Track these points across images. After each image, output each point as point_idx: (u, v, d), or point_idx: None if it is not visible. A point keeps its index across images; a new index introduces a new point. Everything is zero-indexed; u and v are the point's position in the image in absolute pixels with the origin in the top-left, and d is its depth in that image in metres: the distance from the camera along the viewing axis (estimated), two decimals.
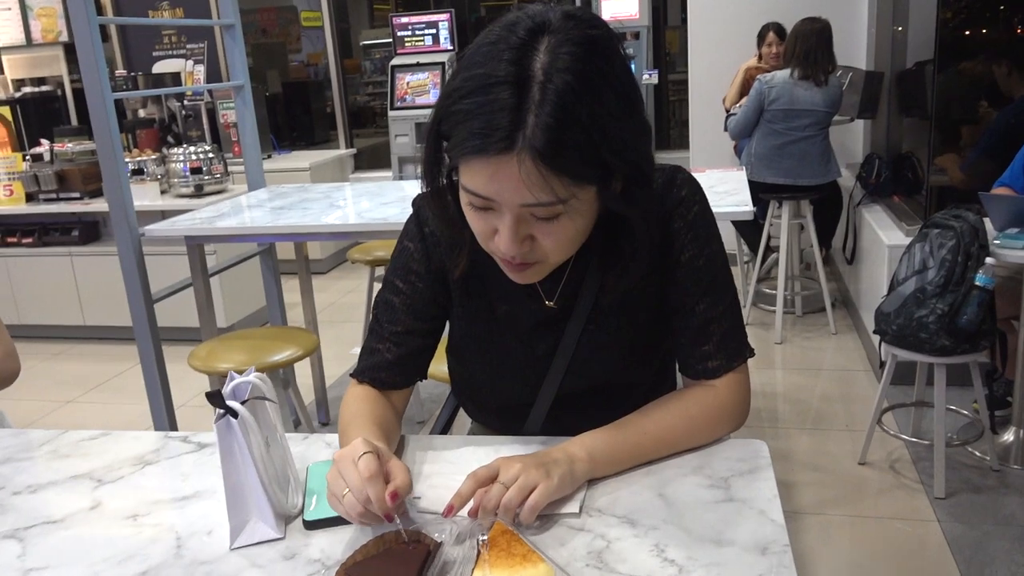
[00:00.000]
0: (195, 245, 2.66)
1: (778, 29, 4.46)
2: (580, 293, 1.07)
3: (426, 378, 1.19)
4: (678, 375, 1.15)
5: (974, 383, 2.60)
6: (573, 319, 1.08)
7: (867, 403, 3.22)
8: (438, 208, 1.00)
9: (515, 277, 0.97)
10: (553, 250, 0.92)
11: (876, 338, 2.70)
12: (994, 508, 2.48)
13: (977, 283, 2.40)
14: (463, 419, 1.32)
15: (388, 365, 1.12)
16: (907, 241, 3.12)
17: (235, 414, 0.82)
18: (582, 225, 0.92)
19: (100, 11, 6.80)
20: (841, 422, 3.15)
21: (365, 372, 1.13)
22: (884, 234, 3.39)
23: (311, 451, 1.11)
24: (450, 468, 1.02)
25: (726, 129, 4.36)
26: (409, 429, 3.11)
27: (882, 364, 2.68)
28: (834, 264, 4.80)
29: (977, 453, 2.77)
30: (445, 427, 1.31)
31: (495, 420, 1.20)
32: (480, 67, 0.84)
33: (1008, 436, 2.77)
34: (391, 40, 5.87)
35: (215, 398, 0.81)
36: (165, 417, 2.75)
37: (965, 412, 2.91)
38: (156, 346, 2.67)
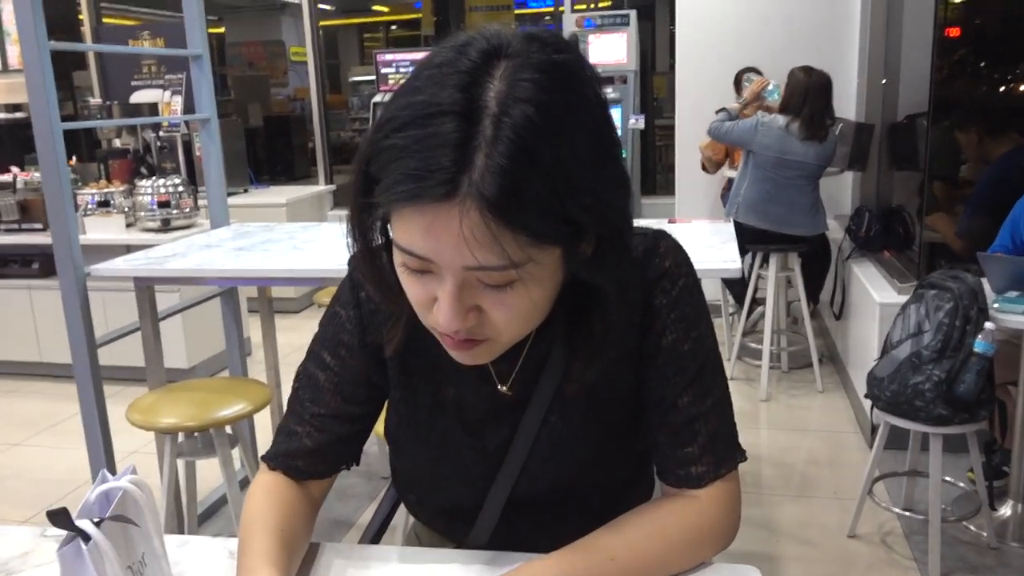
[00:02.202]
0: (144, 287, 2.48)
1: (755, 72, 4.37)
2: (540, 377, 0.89)
3: (358, 464, 1.01)
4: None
5: (971, 452, 2.45)
6: (531, 408, 0.89)
7: (856, 468, 3.06)
8: (369, 270, 0.82)
9: (459, 357, 0.79)
10: (505, 325, 0.74)
11: (867, 402, 2.55)
12: None
13: (976, 350, 2.26)
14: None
15: (307, 452, 0.94)
16: (899, 299, 3.01)
17: (87, 537, 0.65)
18: (541, 296, 0.74)
19: (80, 38, 6.69)
20: (829, 489, 2.98)
21: (279, 458, 0.95)
22: (875, 291, 3.26)
23: (209, 564, 0.93)
24: None
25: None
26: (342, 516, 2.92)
27: (873, 429, 2.53)
28: (821, 319, 4.67)
29: (973, 528, 2.60)
30: (384, 523, 1.11)
31: (439, 521, 1.02)
32: (420, 93, 0.67)
33: (1006, 511, 2.62)
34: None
35: (58, 517, 0.64)
36: (105, 468, 2.53)
37: (961, 484, 2.75)
38: (98, 393, 2.48)
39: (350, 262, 0.95)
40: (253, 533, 0.86)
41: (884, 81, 4.20)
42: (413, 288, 0.75)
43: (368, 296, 0.93)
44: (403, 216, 0.69)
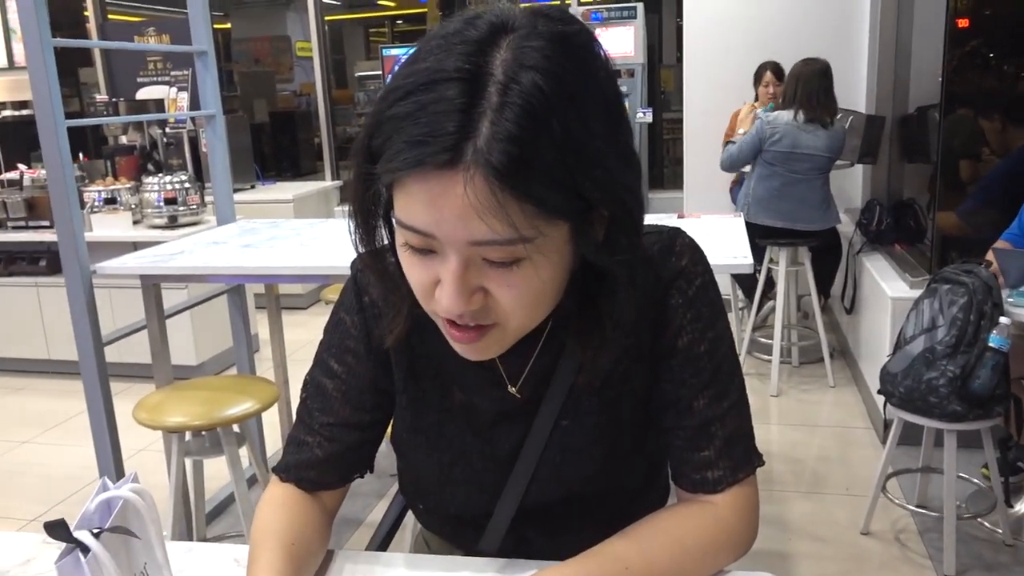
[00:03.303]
0: (150, 284, 2.47)
1: (776, 69, 4.35)
2: (551, 381, 0.86)
3: (372, 471, 0.98)
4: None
5: (985, 448, 2.42)
6: (542, 412, 0.86)
7: (868, 464, 3.03)
8: (371, 257, 0.78)
9: (464, 350, 0.75)
10: (512, 308, 0.70)
11: (880, 397, 2.52)
12: None
13: (991, 345, 2.23)
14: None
15: (318, 463, 0.92)
16: (911, 293, 2.98)
17: (85, 549, 0.63)
18: (549, 277, 0.70)
19: (85, 35, 6.68)
20: (841, 485, 2.96)
21: (290, 470, 0.93)
22: (886, 284, 3.23)
23: (214, 571, 0.91)
24: None
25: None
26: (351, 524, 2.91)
27: (886, 425, 2.50)
28: (832, 313, 4.63)
29: (988, 525, 2.57)
30: (391, 530, 1.08)
31: (448, 529, 0.99)
32: (425, 62, 0.65)
33: (1021, 507, 2.59)
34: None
35: (56, 529, 0.62)
36: (112, 467, 2.53)
37: (976, 480, 2.72)
38: (105, 391, 2.47)
39: (353, 264, 0.93)
40: (262, 547, 0.84)
41: (895, 73, 4.15)
42: (415, 271, 0.71)
43: (372, 301, 0.90)
44: (405, 188, 0.66)
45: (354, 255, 0.84)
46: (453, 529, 0.98)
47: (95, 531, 0.63)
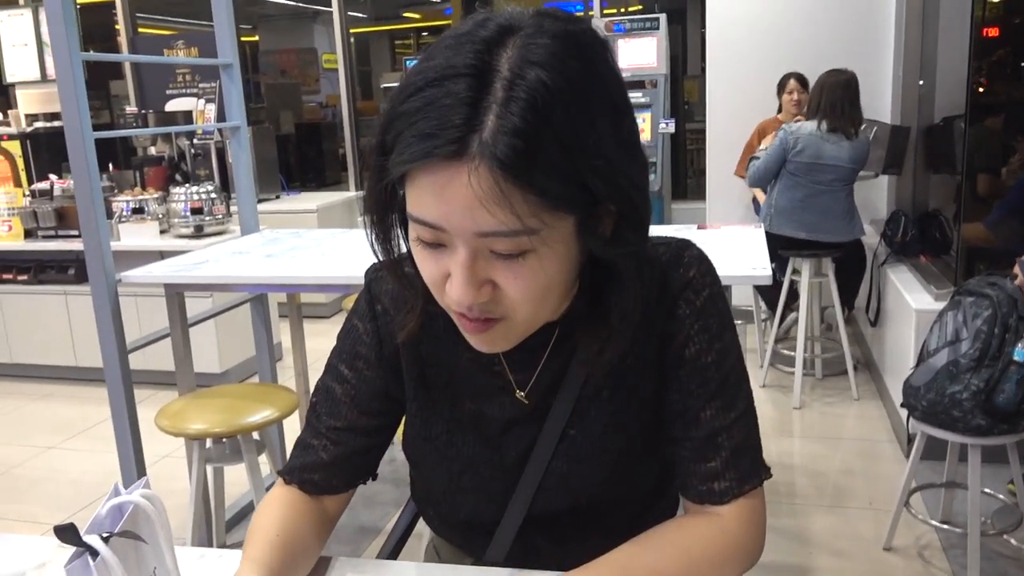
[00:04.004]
0: (174, 293, 2.51)
1: (800, 78, 4.33)
2: (559, 389, 0.87)
3: (375, 479, 0.99)
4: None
5: (1011, 463, 2.38)
6: (550, 421, 0.87)
7: (891, 478, 2.99)
8: (386, 255, 0.80)
9: (476, 342, 0.77)
10: (519, 301, 0.72)
11: (903, 411, 2.49)
12: None
13: (1016, 359, 2.19)
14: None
15: (323, 466, 0.93)
16: (936, 305, 2.94)
17: (94, 553, 0.64)
18: (555, 271, 0.72)
19: (117, 49, 6.81)
20: (864, 499, 2.92)
21: (294, 472, 0.94)
22: (911, 297, 3.19)
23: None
24: None
25: (745, 173, 4.20)
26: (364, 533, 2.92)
27: (910, 439, 2.46)
28: (856, 325, 4.58)
29: (1014, 542, 2.52)
30: (403, 537, 1.09)
31: (458, 536, 1.00)
32: (436, 60, 0.67)
33: None
34: None
35: (66, 533, 0.63)
36: (135, 473, 2.57)
37: (1001, 496, 2.67)
38: (128, 398, 2.50)
39: (368, 272, 0.95)
40: (252, 541, 0.85)
41: (920, 83, 4.11)
42: (427, 265, 0.73)
43: (384, 309, 0.92)
44: (415, 182, 0.68)
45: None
46: (463, 536, 0.98)
47: (104, 535, 0.65)
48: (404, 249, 0.80)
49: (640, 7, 7.33)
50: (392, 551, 1.08)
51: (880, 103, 4.36)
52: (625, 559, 0.81)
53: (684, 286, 0.85)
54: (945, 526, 2.60)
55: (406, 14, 10.17)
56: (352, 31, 6.79)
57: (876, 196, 4.55)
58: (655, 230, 0.80)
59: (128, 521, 0.67)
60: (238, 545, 2.87)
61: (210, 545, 2.54)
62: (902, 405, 2.47)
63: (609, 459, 0.88)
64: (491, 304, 0.73)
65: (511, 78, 0.65)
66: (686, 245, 0.88)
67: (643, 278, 0.78)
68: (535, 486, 0.89)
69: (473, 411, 0.90)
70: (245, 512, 2.97)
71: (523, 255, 0.69)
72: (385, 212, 0.76)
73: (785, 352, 4.20)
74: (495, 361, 0.89)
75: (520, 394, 0.88)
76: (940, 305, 2.72)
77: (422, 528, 1.19)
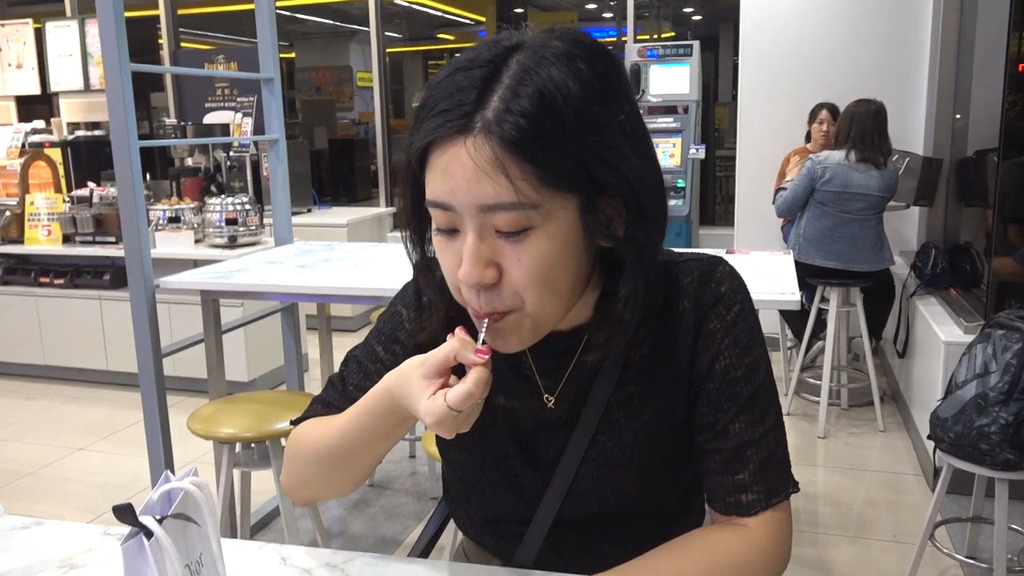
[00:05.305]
0: (209, 300, 2.56)
1: (832, 108, 4.34)
2: (588, 396, 0.89)
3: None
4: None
5: None
6: (580, 427, 0.89)
7: (917, 511, 2.96)
8: (419, 256, 0.85)
9: (492, 339, 0.79)
10: (524, 283, 0.74)
11: (930, 443, 2.47)
12: None
13: None
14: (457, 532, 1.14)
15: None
16: (965, 338, 2.92)
17: (149, 533, 0.67)
18: (558, 254, 0.74)
19: (159, 62, 6.98)
20: (887, 531, 2.89)
21: (315, 405, 0.99)
22: (940, 329, 3.17)
23: (260, 569, 0.95)
24: None
25: (774, 203, 4.20)
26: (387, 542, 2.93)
27: (936, 472, 2.44)
28: (884, 356, 4.55)
29: None
30: (432, 539, 1.11)
31: (487, 537, 1.01)
32: (464, 57, 0.76)
33: None
34: None
35: (123, 512, 0.66)
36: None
37: None
38: (161, 401, 2.55)
39: (415, 267, 0.98)
40: (338, 421, 0.91)
41: (956, 116, 4.10)
42: (445, 256, 0.78)
43: (430, 301, 0.95)
44: (431, 166, 0.74)
45: (403, 280, 0.90)
46: (491, 536, 1.00)
47: (159, 517, 0.68)
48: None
49: (673, 34, 7.38)
50: (421, 554, 1.09)
51: (913, 135, 4.35)
52: (653, 564, 0.83)
53: (715, 301, 0.87)
54: (971, 561, 2.57)
55: (440, 35, 10.31)
56: (388, 51, 6.90)
57: (907, 228, 4.53)
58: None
59: (179, 506, 0.71)
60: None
61: None
62: (929, 437, 2.45)
63: (638, 467, 0.90)
64: (498, 292, 0.76)
65: (521, 71, 0.71)
66: (718, 261, 0.90)
67: (649, 273, 0.80)
68: (565, 489, 0.90)
69: (507, 407, 0.93)
70: (270, 517, 3.01)
71: (525, 234, 0.73)
72: (416, 207, 0.80)
73: (811, 381, 4.18)
74: (526, 365, 0.92)
75: (549, 398, 0.91)
76: (969, 338, 2.71)
77: (444, 541, 1.21)
